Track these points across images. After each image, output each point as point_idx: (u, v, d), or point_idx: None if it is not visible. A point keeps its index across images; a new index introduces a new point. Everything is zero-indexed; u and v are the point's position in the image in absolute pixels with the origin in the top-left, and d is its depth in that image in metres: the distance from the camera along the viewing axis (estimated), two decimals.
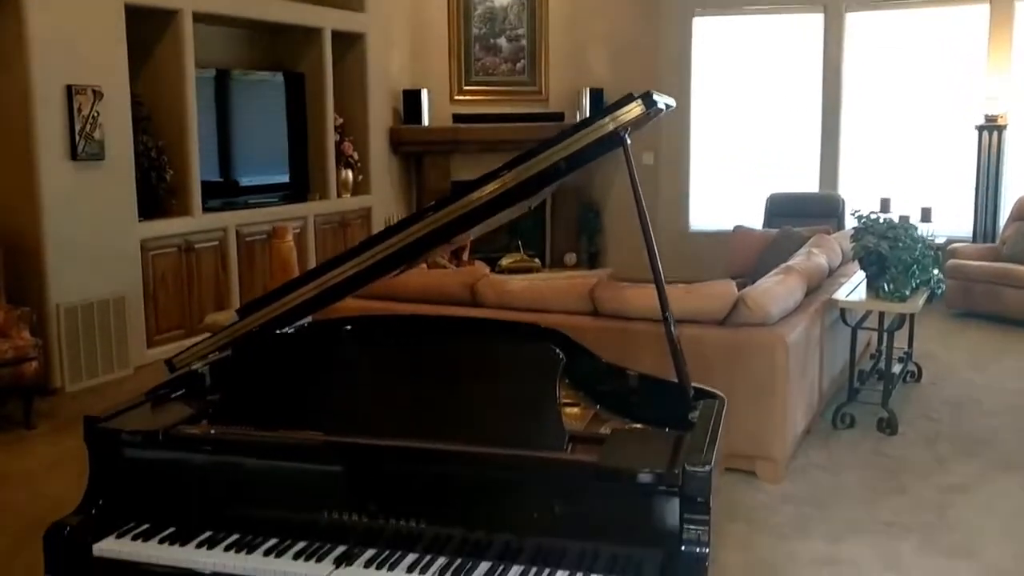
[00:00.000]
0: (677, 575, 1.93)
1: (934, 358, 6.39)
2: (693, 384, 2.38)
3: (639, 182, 2.49)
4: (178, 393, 2.55)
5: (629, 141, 2.38)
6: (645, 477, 2.00)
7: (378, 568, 2.07)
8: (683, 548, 1.96)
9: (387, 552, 2.12)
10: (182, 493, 2.30)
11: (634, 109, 2.31)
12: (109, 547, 2.22)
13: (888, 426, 5.05)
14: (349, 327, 2.46)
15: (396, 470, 2.16)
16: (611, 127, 2.31)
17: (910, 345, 5.98)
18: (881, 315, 5.39)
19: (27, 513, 4.15)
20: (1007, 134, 8.39)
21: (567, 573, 2.03)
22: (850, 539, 3.85)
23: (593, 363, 2.64)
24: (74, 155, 5.93)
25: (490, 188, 2.38)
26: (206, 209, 7.06)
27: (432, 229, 2.42)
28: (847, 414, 5.15)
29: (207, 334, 2.76)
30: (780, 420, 4.37)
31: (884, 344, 5.27)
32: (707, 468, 1.97)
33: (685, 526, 1.97)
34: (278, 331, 2.50)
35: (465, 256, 7.99)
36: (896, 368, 5.46)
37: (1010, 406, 5.55)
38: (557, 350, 2.21)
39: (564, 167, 2.36)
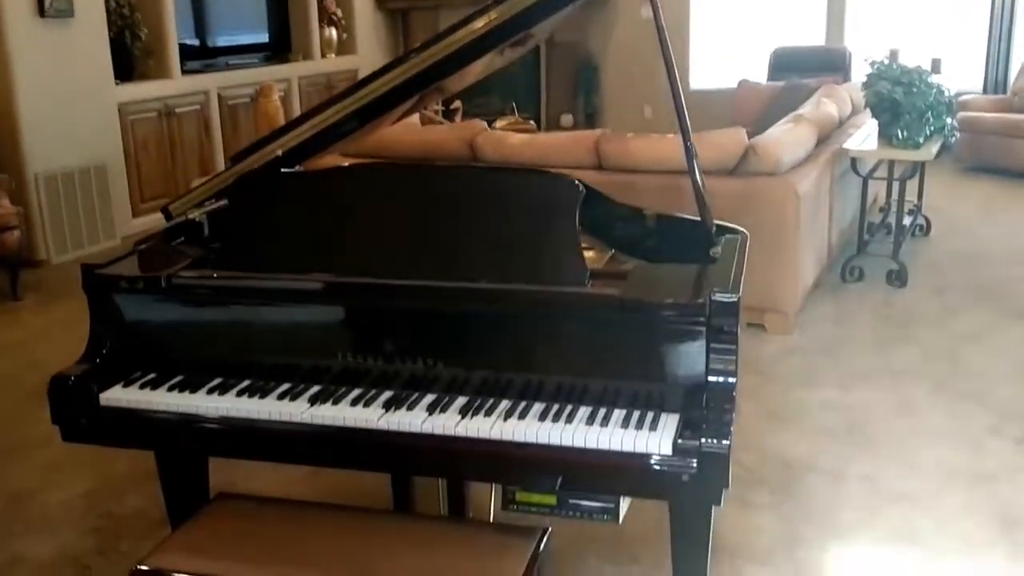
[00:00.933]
0: (704, 406, 1.93)
1: (943, 212, 6.36)
2: (715, 221, 2.33)
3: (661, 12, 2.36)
4: (177, 242, 2.49)
5: None
6: (670, 307, 1.97)
7: (396, 408, 2.06)
8: (709, 379, 1.95)
9: (405, 394, 2.11)
10: (188, 341, 2.27)
11: None
12: (116, 396, 2.20)
13: (898, 278, 5.05)
14: (355, 170, 2.38)
15: (412, 310, 2.13)
16: None
17: (920, 198, 5.94)
18: (891, 164, 5.33)
19: (24, 382, 4.16)
20: None
21: (589, 409, 2.02)
22: (861, 386, 3.89)
23: (606, 206, 2.59)
24: (41, 11, 5.70)
25: (478, 25, 2.29)
26: (185, 72, 6.85)
27: (418, 71, 2.34)
28: (856, 267, 5.15)
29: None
30: (791, 272, 4.35)
31: (896, 194, 5.22)
32: (734, 297, 1.94)
33: (712, 356, 1.95)
34: (282, 171, 2.43)
35: (457, 119, 7.83)
36: (906, 221, 5.43)
37: (1020, 257, 5.56)
38: (576, 181, 2.15)
39: None
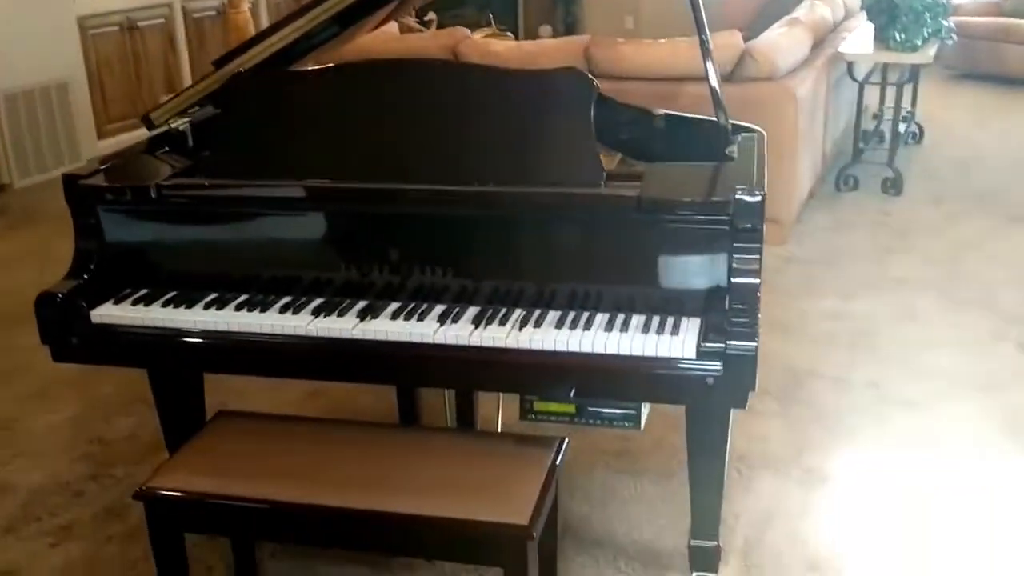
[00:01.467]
0: (728, 309, 1.88)
1: (935, 119, 6.31)
2: (730, 120, 2.26)
3: None
4: (162, 151, 2.39)
5: None
6: (693, 207, 1.91)
7: (406, 319, 2.00)
8: (733, 280, 1.90)
9: (413, 304, 2.05)
10: (181, 255, 2.19)
11: None
12: (108, 313, 2.12)
13: (893, 186, 5.02)
14: (359, 67, 2.27)
15: (420, 216, 2.05)
16: None
17: (913, 104, 5.88)
18: (885, 69, 5.25)
19: None
20: None
21: (606, 316, 1.97)
22: (862, 296, 3.88)
23: (610, 108, 2.49)
24: None
25: None
26: None
27: None
28: (851, 176, 5.11)
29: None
30: (788, 179, 4.30)
31: (891, 100, 5.16)
32: (759, 195, 1.88)
33: (736, 256, 1.90)
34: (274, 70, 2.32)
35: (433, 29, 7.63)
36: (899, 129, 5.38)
37: (1015, 161, 5.55)
38: (589, 75, 2.06)
39: None
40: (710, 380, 1.84)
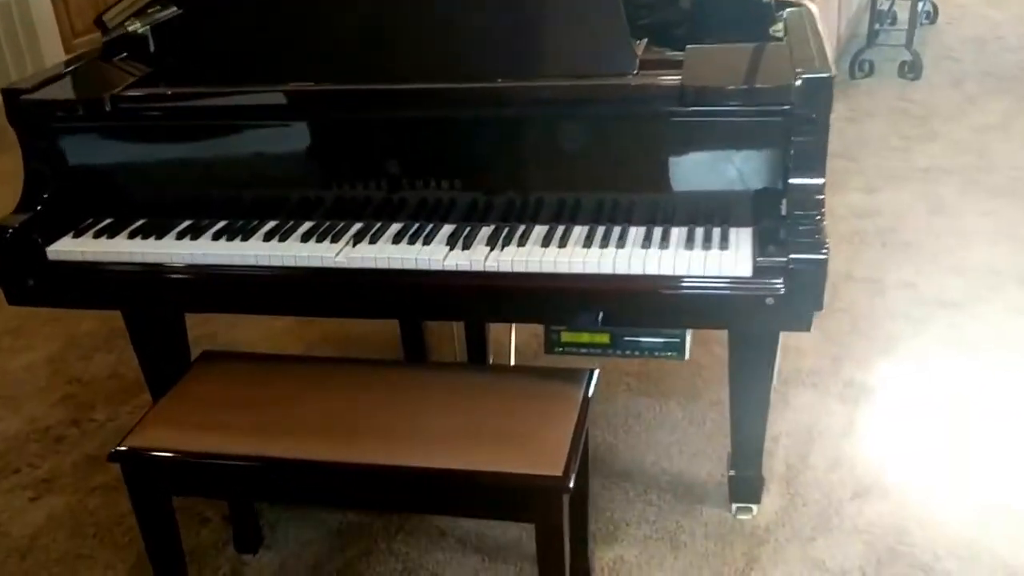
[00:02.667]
0: (787, 215, 1.59)
1: None
2: None
3: None
4: (119, 57, 2.06)
5: None
6: (747, 94, 1.60)
7: (410, 242, 1.71)
8: (792, 181, 1.60)
9: (417, 225, 1.76)
10: (147, 177, 1.89)
11: None
12: (67, 248, 1.83)
13: (911, 70, 4.68)
14: None
15: (422, 120, 1.74)
16: None
17: None
18: None
19: None
20: None
21: (641, 230, 1.69)
22: (888, 188, 3.59)
23: None
24: None
25: None
26: None
27: None
28: (866, 60, 4.76)
29: None
30: None
31: None
32: (827, 72, 1.58)
33: (797, 151, 1.59)
34: None
35: None
36: None
37: None
38: None
39: None
40: (770, 300, 1.56)
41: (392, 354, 2.52)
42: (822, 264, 1.53)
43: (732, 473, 2.04)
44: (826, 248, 1.53)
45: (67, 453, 2.43)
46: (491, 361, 2.28)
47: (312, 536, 2.08)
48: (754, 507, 2.04)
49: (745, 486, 2.02)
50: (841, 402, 2.41)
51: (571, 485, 1.51)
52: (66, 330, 2.99)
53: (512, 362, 2.30)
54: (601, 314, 1.64)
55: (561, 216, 1.74)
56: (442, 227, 1.75)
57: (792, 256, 1.54)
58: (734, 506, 2.05)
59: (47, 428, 2.54)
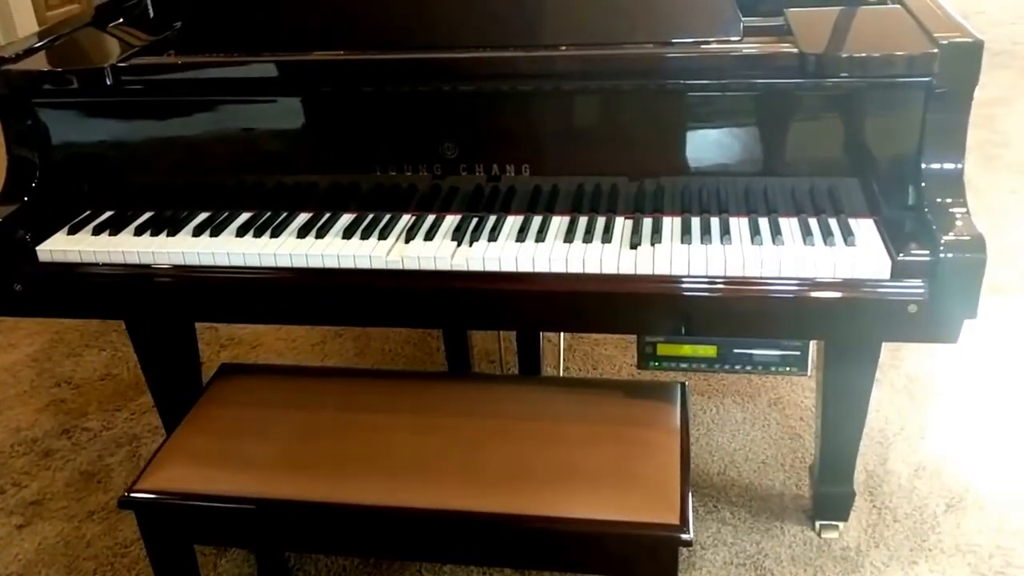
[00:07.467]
0: (924, 204, 1.28)
1: None
2: None
3: None
4: (114, 23, 1.68)
5: None
6: (884, 63, 1.27)
7: (473, 240, 1.37)
8: (929, 165, 1.29)
9: (477, 217, 1.42)
10: (151, 162, 1.52)
11: None
12: (61, 247, 1.47)
13: None
14: None
15: (482, 94, 1.39)
16: None
17: None
18: None
19: None
20: None
21: (744, 220, 1.37)
22: None
23: None
24: None
25: None
26: None
27: None
28: None
29: None
30: None
31: None
32: (973, 38, 1.26)
33: (933, 130, 1.29)
34: None
35: None
36: None
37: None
38: None
39: None
40: (912, 307, 1.25)
41: (425, 353, 2.17)
42: (980, 264, 1.22)
43: (822, 489, 1.73)
44: (983, 248, 1.22)
45: (58, 469, 2.07)
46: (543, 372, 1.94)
47: (344, 564, 1.75)
48: (840, 524, 1.75)
49: (833, 502, 1.73)
50: (909, 398, 2.12)
51: (690, 536, 1.19)
52: (51, 324, 2.61)
53: (561, 372, 1.97)
54: (708, 324, 1.32)
55: (644, 206, 1.41)
56: (505, 219, 1.42)
57: (945, 255, 1.22)
58: (818, 523, 1.75)
59: (34, 440, 2.17)
